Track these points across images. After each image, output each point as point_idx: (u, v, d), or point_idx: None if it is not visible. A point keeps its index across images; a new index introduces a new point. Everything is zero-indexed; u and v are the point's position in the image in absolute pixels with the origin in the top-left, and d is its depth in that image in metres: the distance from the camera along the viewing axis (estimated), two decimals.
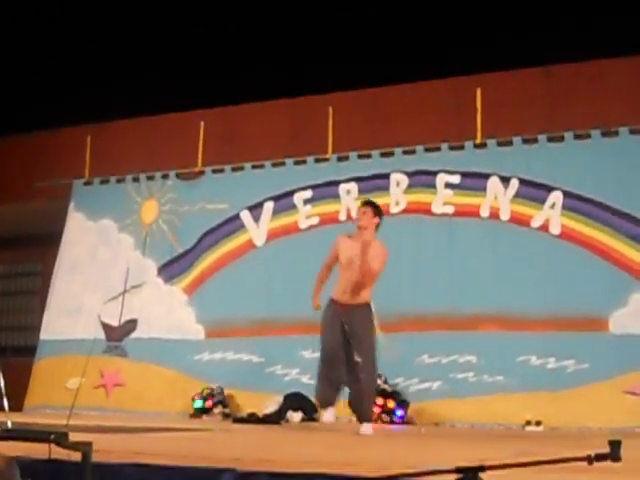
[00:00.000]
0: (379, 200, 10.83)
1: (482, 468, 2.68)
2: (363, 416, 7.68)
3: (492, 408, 9.90)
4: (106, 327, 12.41)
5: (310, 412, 10.33)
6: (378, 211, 7.86)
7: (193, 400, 11.09)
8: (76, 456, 3.45)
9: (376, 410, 9.87)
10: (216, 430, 8.16)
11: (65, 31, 15.33)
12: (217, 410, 10.93)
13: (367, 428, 7.54)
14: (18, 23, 15.69)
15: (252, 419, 10.14)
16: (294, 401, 10.29)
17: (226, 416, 10.80)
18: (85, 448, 3.42)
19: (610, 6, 12.44)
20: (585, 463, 2.62)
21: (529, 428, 9.44)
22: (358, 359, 7.50)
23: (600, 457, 2.57)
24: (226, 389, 11.11)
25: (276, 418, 9.96)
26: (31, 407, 12.09)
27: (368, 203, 7.96)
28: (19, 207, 14.09)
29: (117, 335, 12.37)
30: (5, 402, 4.46)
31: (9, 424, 4.09)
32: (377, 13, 14.39)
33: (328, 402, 7.86)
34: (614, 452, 2.56)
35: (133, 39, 15.11)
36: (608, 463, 2.58)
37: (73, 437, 3.44)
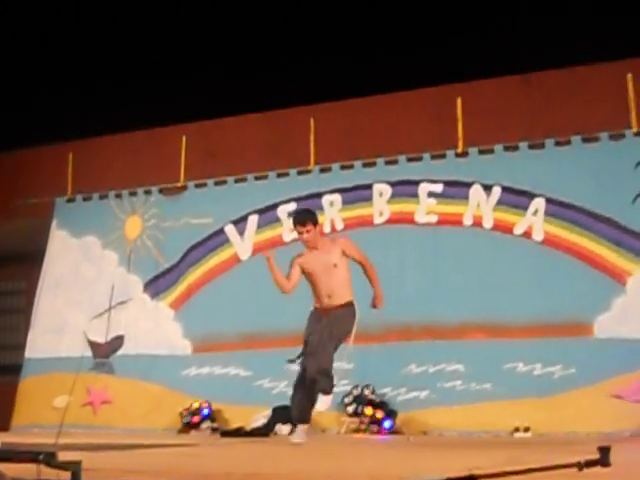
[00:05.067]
0: (363, 211, 11.00)
1: (473, 477, 2.69)
2: (324, 389, 7.44)
3: (480, 416, 9.90)
4: (93, 344, 12.36)
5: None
6: (315, 217, 7.83)
7: (181, 415, 11.05)
8: (65, 476, 3.43)
9: (365, 421, 9.90)
10: (205, 445, 8.13)
11: (45, 48, 15.31)
12: (205, 425, 10.90)
13: (323, 402, 7.39)
14: None
15: (240, 433, 10.12)
16: (283, 414, 10.25)
17: (214, 430, 10.77)
18: (75, 467, 3.40)
19: (587, 13, 12.52)
20: (575, 469, 2.64)
21: (518, 435, 9.45)
22: (318, 340, 7.40)
23: (590, 463, 2.59)
24: (214, 403, 11.08)
25: (265, 431, 9.94)
26: (18, 426, 12.02)
27: (304, 219, 7.78)
28: (1, 226, 14.02)
29: (104, 352, 12.32)
30: None
31: None
32: (357, 24, 14.42)
33: (303, 417, 7.70)
34: (604, 458, 2.57)
35: (113, 55, 15.09)
36: (598, 469, 2.60)
37: (62, 456, 3.42)
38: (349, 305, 7.69)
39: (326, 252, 7.61)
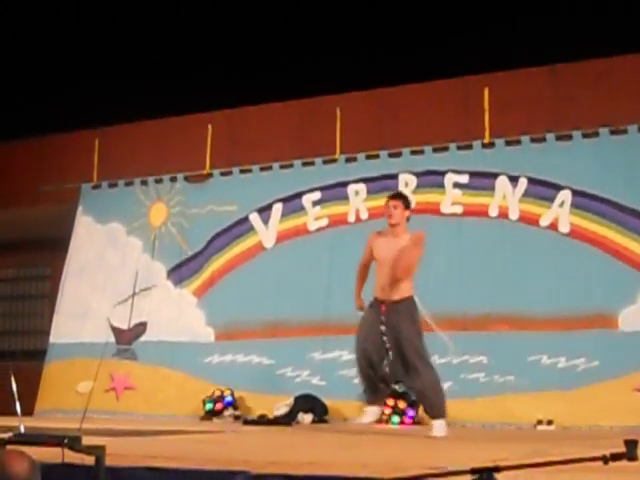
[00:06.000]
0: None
1: (497, 469, 2.67)
2: (430, 413, 7.40)
3: (503, 408, 9.87)
4: (116, 330, 12.41)
5: (321, 413, 10.33)
6: (408, 203, 7.74)
7: (204, 402, 11.08)
8: (89, 460, 3.45)
9: (387, 411, 9.88)
10: (227, 432, 8.16)
11: (72, 34, 15.36)
12: (228, 412, 10.92)
13: (437, 428, 7.24)
14: (24, 25, 15.73)
15: (263, 421, 10.14)
16: (305, 403, 10.29)
17: (237, 418, 10.79)
18: (98, 452, 3.42)
19: (615, 4, 12.43)
20: (600, 463, 2.61)
21: (541, 428, 9.42)
22: (406, 357, 7.29)
23: (616, 457, 2.56)
24: (236, 391, 11.09)
25: (287, 420, 9.95)
26: (42, 411, 12.09)
27: (397, 196, 7.81)
28: (27, 211, 14.10)
29: (127, 338, 12.37)
30: (18, 406, 4.46)
31: (22, 428, 4.09)
32: (384, 13, 14.38)
33: (369, 399, 7.66)
34: (630, 451, 2.54)
35: (140, 42, 15.12)
36: (624, 463, 2.57)
37: (86, 441, 3.44)
38: (408, 300, 7.55)
39: (399, 248, 7.50)
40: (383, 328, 7.44)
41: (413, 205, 8.24)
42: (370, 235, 7.85)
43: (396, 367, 7.37)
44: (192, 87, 14.50)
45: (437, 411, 7.35)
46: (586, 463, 2.68)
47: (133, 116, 13.23)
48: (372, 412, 7.67)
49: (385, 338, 7.41)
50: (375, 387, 7.66)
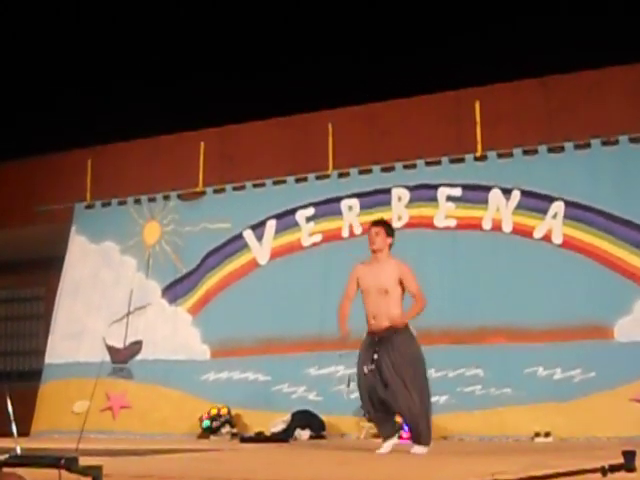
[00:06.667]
0: (381, 215, 10.86)
1: None
2: (415, 441, 7.33)
3: (500, 421, 9.87)
4: (111, 349, 12.39)
5: (318, 429, 10.31)
6: (391, 230, 7.69)
7: (200, 420, 11.05)
8: None
9: None
10: (225, 450, 8.13)
11: (64, 54, 15.38)
12: (225, 430, 10.89)
13: (419, 450, 7.20)
14: (17, 47, 15.75)
15: (260, 438, 10.11)
16: (302, 419, 10.27)
17: (234, 436, 10.76)
18: (95, 472, 3.40)
19: (605, 16, 12.48)
20: (599, 474, 2.61)
21: (538, 439, 9.40)
22: (395, 386, 7.21)
23: (614, 468, 2.56)
24: (233, 408, 11.07)
25: (284, 436, 9.93)
26: (38, 432, 12.05)
27: (380, 223, 7.75)
28: (21, 232, 14.09)
29: (122, 357, 12.34)
30: (14, 427, 4.43)
31: (18, 450, 4.07)
32: (375, 29, 14.43)
33: (385, 435, 7.52)
34: (628, 462, 2.54)
35: (132, 61, 15.15)
36: (623, 474, 2.57)
37: (82, 461, 3.42)
38: (398, 326, 7.49)
39: (384, 274, 7.45)
40: (376, 357, 7.39)
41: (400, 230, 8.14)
42: (355, 266, 7.76)
43: (391, 394, 7.32)
44: (184, 105, 14.54)
45: (424, 440, 7.31)
46: (585, 475, 2.68)
47: (125, 135, 13.25)
48: (390, 444, 7.55)
49: (382, 367, 7.36)
50: (386, 421, 7.57)
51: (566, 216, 10.44)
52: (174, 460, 6.72)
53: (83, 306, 12.88)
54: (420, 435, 7.28)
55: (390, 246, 7.59)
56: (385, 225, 7.72)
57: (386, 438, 7.45)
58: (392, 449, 7.36)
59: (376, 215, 10.31)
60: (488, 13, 13.61)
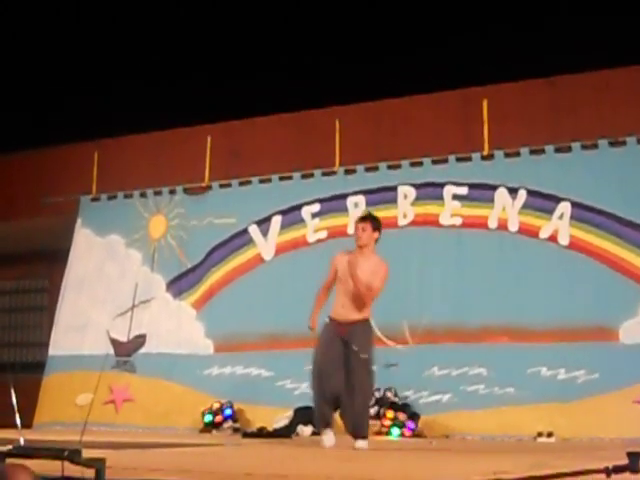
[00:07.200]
0: (387, 213, 10.87)
1: None
2: (358, 433, 7.45)
3: (503, 420, 9.86)
4: (115, 342, 12.40)
5: None
6: (377, 225, 7.69)
7: (203, 415, 11.06)
8: (89, 473, 3.43)
9: (386, 423, 9.87)
10: (227, 445, 8.13)
11: (71, 47, 15.38)
12: (227, 425, 10.90)
13: (362, 444, 7.35)
14: (23, 37, 15.75)
15: (262, 433, 10.10)
16: (304, 415, 10.24)
17: (236, 431, 10.76)
18: (98, 465, 3.40)
19: (613, 15, 12.45)
20: (603, 475, 2.61)
21: (541, 439, 9.39)
22: (355, 377, 7.35)
23: (618, 469, 2.55)
24: (236, 403, 11.07)
25: (286, 432, 9.92)
26: (41, 424, 12.05)
27: (367, 218, 7.76)
28: (26, 223, 14.09)
29: (126, 350, 12.35)
30: (17, 419, 4.44)
31: (22, 441, 4.08)
32: (383, 26, 14.41)
33: (326, 422, 7.61)
34: (633, 464, 2.53)
35: (139, 54, 15.14)
36: (627, 475, 2.56)
37: (86, 454, 3.42)
38: (364, 322, 7.57)
39: (365, 267, 7.49)
40: (340, 347, 7.44)
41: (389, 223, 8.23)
42: (335, 256, 7.78)
43: (343, 384, 7.41)
44: (191, 99, 14.51)
45: (364, 432, 7.47)
46: (589, 475, 2.67)
47: (132, 128, 13.24)
48: (331, 435, 7.61)
49: (341, 356, 7.43)
50: (328, 411, 7.64)
51: (572, 217, 10.41)
52: (176, 454, 6.72)
53: (88, 299, 12.89)
54: (365, 429, 7.47)
55: (376, 240, 7.61)
56: (372, 220, 7.72)
57: (327, 426, 7.52)
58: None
59: (382, 212, 10.31)
60: (497, 12, 13.57)
